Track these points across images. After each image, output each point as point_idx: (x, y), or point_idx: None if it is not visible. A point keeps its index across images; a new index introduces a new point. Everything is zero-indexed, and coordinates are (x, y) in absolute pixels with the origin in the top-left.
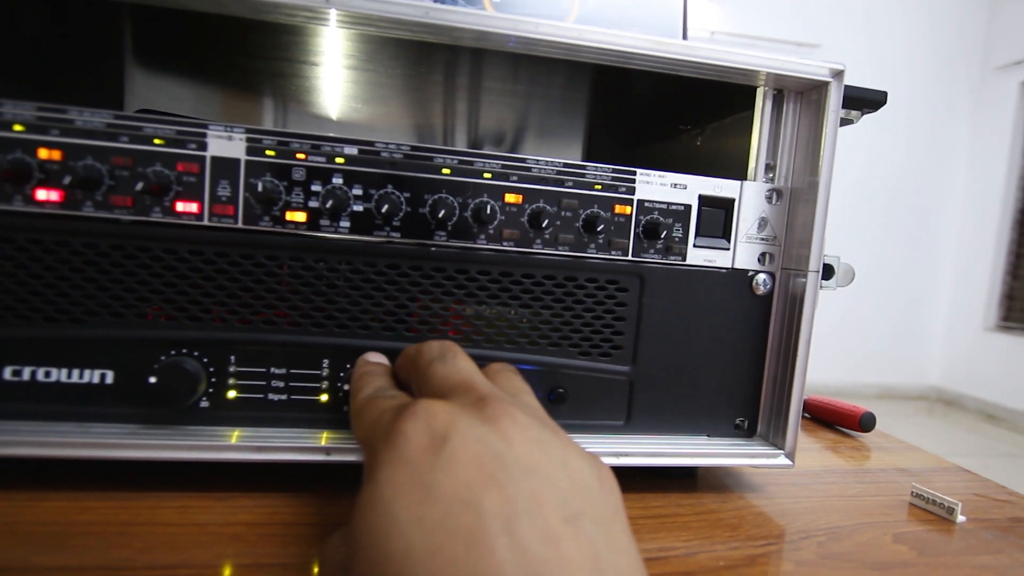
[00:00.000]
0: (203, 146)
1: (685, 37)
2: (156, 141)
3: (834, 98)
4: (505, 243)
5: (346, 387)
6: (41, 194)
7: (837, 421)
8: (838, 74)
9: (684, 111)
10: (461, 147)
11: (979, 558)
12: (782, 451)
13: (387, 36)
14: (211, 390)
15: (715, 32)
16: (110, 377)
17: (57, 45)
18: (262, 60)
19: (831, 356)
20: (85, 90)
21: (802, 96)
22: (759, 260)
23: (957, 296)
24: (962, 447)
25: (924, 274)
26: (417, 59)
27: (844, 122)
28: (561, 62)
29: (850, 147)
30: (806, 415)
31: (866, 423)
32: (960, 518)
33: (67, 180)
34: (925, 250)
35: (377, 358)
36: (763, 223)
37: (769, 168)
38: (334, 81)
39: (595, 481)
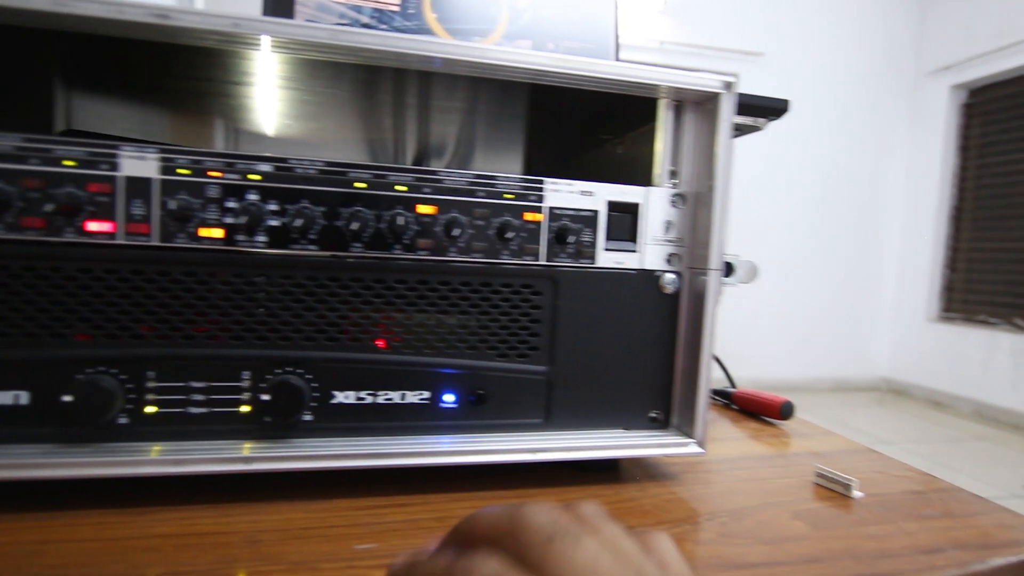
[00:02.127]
0: (115, 166)
1: (618, 49)
2: (66, 163)
3: (726, 108)
4: (420, 252)
5: (265, 397)
6: None
7: (761, 411)
8: (729, 85)
9: (606, 123)
10: (403, 162)
11: (867, 528)
12: (693, 440)
13: (304, 58)
14: (129, 406)
15: (664, 42)
16: (25, 398)
17: None
18: (193, 81)
19: (786, 352)
20: (10, 112)
21: (699, 106)
22: (666, 261)
23: (902, 290)
24: (911, 434)
25: (871, 270)
26: (336, 78)
27: (751, 129)
28: (493, 80)
29: (797, 150)
30: (734, 407)
31: (785, 411)
32: (857, 494)
33: None
34: (871, 247)
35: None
36: (668, 226)
37: (673, 174)
38: (265, 100)
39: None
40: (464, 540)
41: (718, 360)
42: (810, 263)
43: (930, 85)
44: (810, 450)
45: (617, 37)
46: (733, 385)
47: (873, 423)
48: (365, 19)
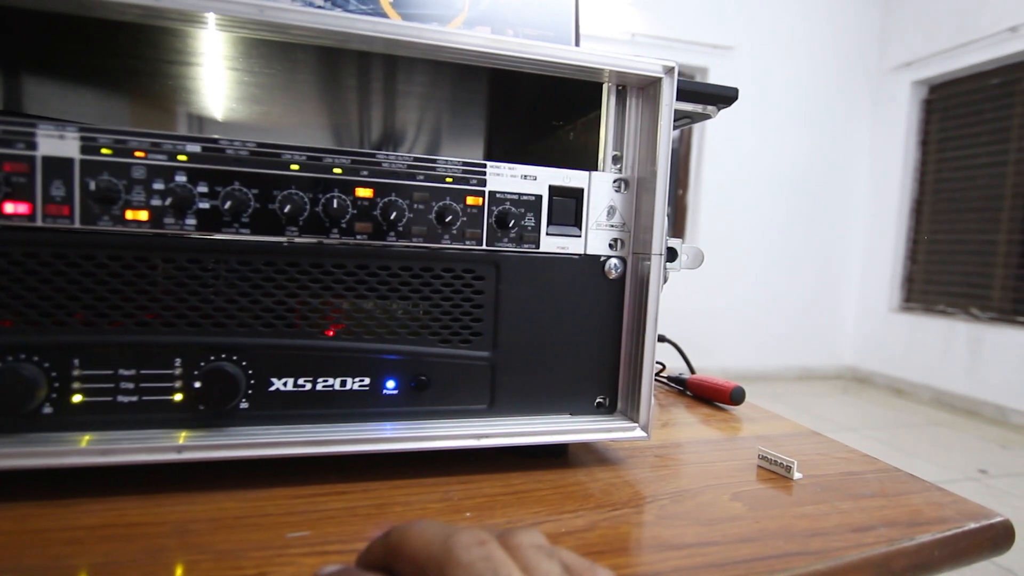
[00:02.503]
0: (32, 146)
1: (578, 37)
2: None
3: (667, 93)
4: (358, 236)
5: (198, 385)
6: None
7: (713, 397)
8: (670, 70)
9: (558, 108)
10: (365, 147)
11: (803, 508)
12: (637, 424)
13: (239, 36)
14: (54, 395)
15: (635, 35)
16: None
17: None
18: (130, 59)
19: (755, 342)
20: None
21: (642, 92)
22: (610, 246)
23: (865, 281)
24: (874, 421)
25: (838, 262)
26: (281, 59)
27: (702, 117)
28: (452, 65)
29: (766, 143)
30: (688, 393)
31: (736, 396)
32: (797, 475)
33: None
34: (837, 239)
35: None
36: (612, 211)
37: (616, 159)
38: (206, 82)
39: None
40: (392, 556)
41: (677, 347)
42: (779, 255)
43: (892, 81)
44: (757, 434)
45: (577, 25)
46: (692, 371)
47: (837, 411)
48: (319, 3)
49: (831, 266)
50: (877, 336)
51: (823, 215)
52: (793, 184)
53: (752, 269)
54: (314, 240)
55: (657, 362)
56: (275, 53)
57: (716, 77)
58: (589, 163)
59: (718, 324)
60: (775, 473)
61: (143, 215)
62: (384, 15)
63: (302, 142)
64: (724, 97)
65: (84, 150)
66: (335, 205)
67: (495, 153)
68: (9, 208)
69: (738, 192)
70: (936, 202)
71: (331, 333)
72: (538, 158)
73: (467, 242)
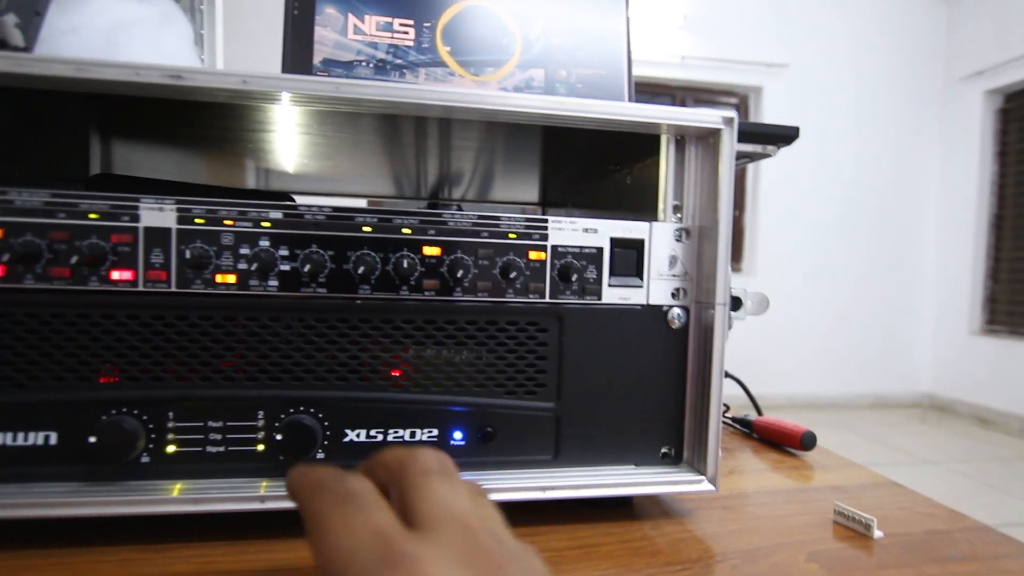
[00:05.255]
0: (136, 218)
1: (630, 72)
2: (92, 216)
3: (727, 142)
4: (427, 293)
5: (279, 436)
6: None
7: (782, 441)
8: (729, 121)
9: (613, 154)
10: (422, 194)
11: (886, 572)
12: (705, 477)
13: (314, 109)
14: (151, 446)
15: (686, 57)
16: (53, 438)
17: (20, 127)
18: (217, 129)
19: (825, 369)
20: (49, 160)
21: (701, 141)
22: (672, 295)
23: (942, 302)
24: (956, 453)
25: (908, 283)
26: (351, 123)
27: (762, 156)
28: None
29: (827, 161)
30: (755, 436)
31: (807, 442)
32: (877, 533)
33: (6, 256)
34: (907, 260)
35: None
36: (673, 260)
37: (677, 208)
38: (282, 145)
39: None
40: (369, 466)
41: (742, 385)
42: (845, 276)
43: (962, 91)
44: (831, 484)
45: (630, 60)
46: (759, 411)
47: (915, 441)
48: (381, 54)
49: (902, 287)
50: (958, 361)
51: (891, 234)
52: (857, 203)
53: (817, 292)
54: (385, 297)
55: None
56: (345, 118)
57: (771, 96)
58: (647, 207)
59: (782, 350)
60: (853, 531)
61: (231, 278)
62: (442, 63)
63: (366, 190)
64: (784, 136)
65: (180, 220)
66: (405, 264)
67: (550, 195)
68: (115, 275)
69: (799, 212)
70: (1018, 216)
71: (399, 386)
72: (595, 200)
73: (530, 295)
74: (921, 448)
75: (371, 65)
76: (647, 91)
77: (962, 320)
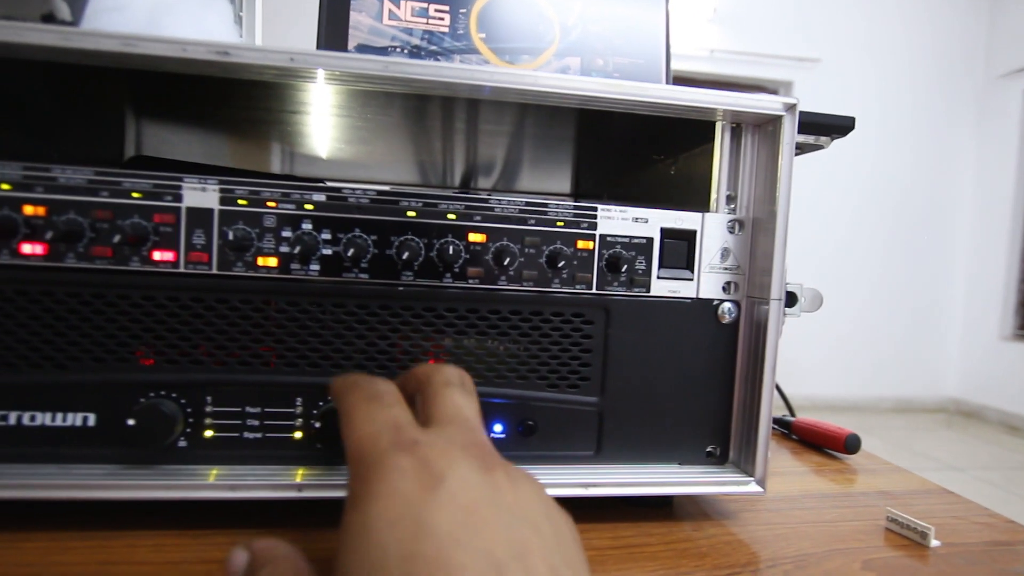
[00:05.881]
0: (178, 198)
1: (669, 62)
2: (134, 195)
3: (788, 130)
4: (471, 281)
5: (317, 424)
6: (27, 248)
7: (824, 443)
8: (791, 107)
9: (657, 142)
10: (451, 181)
11: None
12: (752, 478)
13: (357, 89)
14: (188, 430)
15: (715, 51)
16: (92, 420)
17: (59, 107)
18: (253, 111)
19: (846, 370)
20: (86, 140)
21: (759, 129)
22: (723, 289)
23: (971, 306)
24: (983, 460)
25: (937, 285)
26: (387, 105)
27: (813, 147)
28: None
29: (859, 159)
30: (794, 437)
31: (851, 445)
32: (934, 543)
33: (49, 235)
34: (936, 260)
35: None
36: (726, 253)
37: (730, 199)
38: (320, 127)
39: (570, 534)
40: (403, 378)
41: (778, 387)
42: (873, 277)
43: (1002, 89)
44: (879, 489)
45: (668, 50)
46: (792, 413)
47: (941, 447)
48: (416, 40)
49: (930, 288)
50: (986, 366)
51: (920, 234)
52: (888, 201)
53: (842, 291)
54: (428, 284)
55: None
56: (386, 100)
57: (802, 91)
58: (693, 198)
59: (803, 350)
60: (907, 539)
61: (272, 261)
62: (476, 51)
63: (396, 178)
64: (840, 127)
65: (223, 201)
66: (450, 251)
67: (583, 185)
68: (157, 256)
69: (827, 210)
70: None
71: None
72: (632, 192)
73: (577, 286)
74: (946, 454)
75: (406, 51)
76: (677, 84)
77: (993, 324)
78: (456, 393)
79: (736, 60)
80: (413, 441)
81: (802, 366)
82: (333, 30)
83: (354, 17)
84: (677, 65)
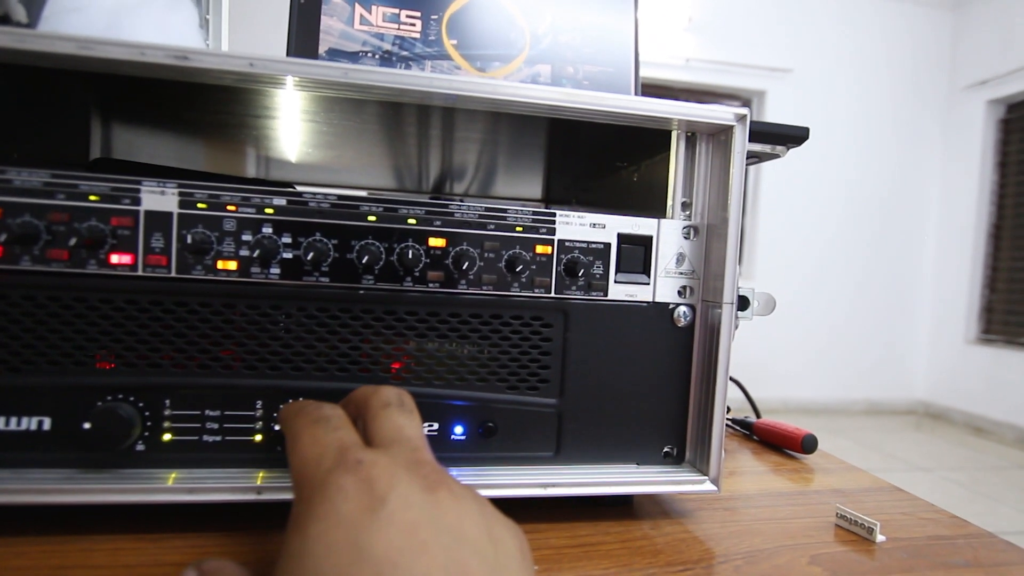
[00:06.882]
0: (137, 201)
1: (637, 71)
2: (92, 197)
3: (739, 140)
4: (431, 284)
5: (277, 427)
6: None
7: (783, 444)
8: (742, 118)
9: (621, 150)
10: (424, 187)
11: None
12: (707, 477)
13: (319, 95)
14: (146, 433)
15: (690, 59)
16: (47, 424)
17: (19, 108)
18: (221, 114)
19: (820, 374)
20: (49, 142)
21: (712, 138)
22: (679, 293)
23: (938, 311)
24: (950, 461)
25: (906, 291)
26: (357, 111)
27: (771, 156)
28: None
29: (828, 166)
30: (755, 439)
31: (808, 445)
32: (880, 538)
33: (3, 237)
34: (905, 267)
35: None
36: (681, 258)
37: (685, 205)
38: (287, 132)
39: (516, 552)
40: (344, 402)
41: (741, 387)
42: (843, 282)
43: (965, 100)
44: (833, 487)
45: (637, 59)
46: (757, 414)
47: (909, 448)
48: (387, 46)
49: (899, 294)
50: (953, 369)
51: (890, 241)
52: (857, 209)
53: (815, 297)
54: (389, 288)
55: None
56: (352, 106)
57: (774, 100)
58: (654, 204)
59: (777, 354)
60: (855, 534)
61: (232, 265)
62: (448, 57)
63: (368, 183)
64: (794, 137)
65: (182, 204)
66: (409, 255)
67: (554, 191)
68: (115, 259)
69: (799, 217)
70: (1017, 227)
71: (400, 378)
72: (599, 198)
73: (536, 290)
74: (915, 455)
75: (376, 56)
76: (650, 93)
77: (958, 329)
78: (395, 413)
79: (711, 69)
80: (357, 461)
81: (778, 371)
82: (304, 34)
83: (325, 21)
84: (654, 73)
